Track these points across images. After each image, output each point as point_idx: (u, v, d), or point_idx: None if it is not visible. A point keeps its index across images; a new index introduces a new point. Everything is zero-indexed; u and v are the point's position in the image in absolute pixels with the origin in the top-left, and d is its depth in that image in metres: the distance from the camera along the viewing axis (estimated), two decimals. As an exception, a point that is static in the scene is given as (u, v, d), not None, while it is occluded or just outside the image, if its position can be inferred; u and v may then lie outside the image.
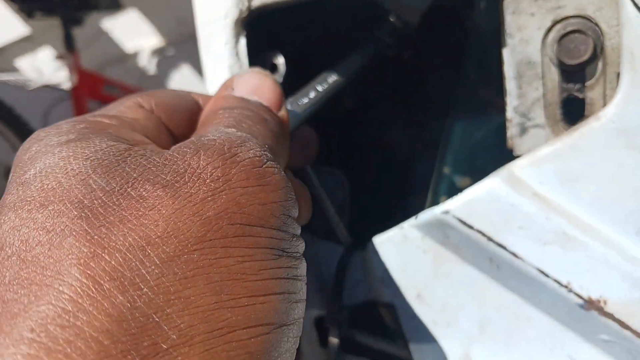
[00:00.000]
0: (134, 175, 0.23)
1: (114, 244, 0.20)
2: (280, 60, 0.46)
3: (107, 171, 0.23)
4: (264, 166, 0.25)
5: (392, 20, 0.54)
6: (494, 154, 0.53)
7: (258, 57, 0.47)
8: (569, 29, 0.35)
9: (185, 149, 0.25)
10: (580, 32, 0.34)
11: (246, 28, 0.45)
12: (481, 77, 0.51)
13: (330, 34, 0.66)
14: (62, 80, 2.33)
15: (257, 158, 0.25)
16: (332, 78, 0.47)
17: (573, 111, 0.37)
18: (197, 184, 0.23)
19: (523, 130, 0.38)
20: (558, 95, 0.37)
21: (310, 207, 0.36)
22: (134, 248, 0.20)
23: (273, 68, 0.46)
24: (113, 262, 0.20)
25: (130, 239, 0.21)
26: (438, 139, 0.71)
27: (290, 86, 0.56)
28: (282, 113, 0.33)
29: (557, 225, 0.35)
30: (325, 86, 0.45)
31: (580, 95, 0.36)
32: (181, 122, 0.32)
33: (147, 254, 0.20)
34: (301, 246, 0.27)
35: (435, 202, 0.60)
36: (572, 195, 0.35)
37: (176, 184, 0.23)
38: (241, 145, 0.25)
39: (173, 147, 0.25)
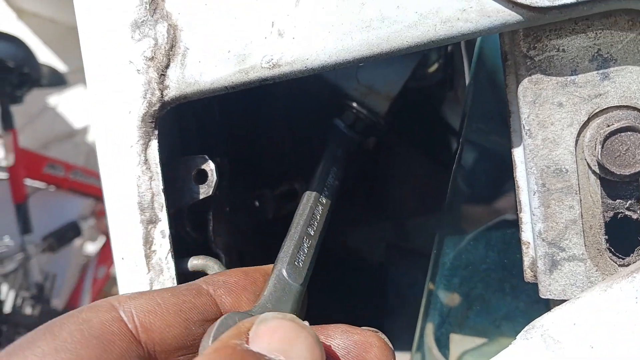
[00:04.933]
0: None
1: None
2: (209, 167, 0.34)
3: None
4: None
5: (354, 107, 0.43)
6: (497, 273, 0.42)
7: (179, 163, 0.34)
8: (616, 125, 0.24)
9: None
10: (632, 130, 0.24)
11: (160, 126, 0.32)
12: (473, 187, 0.40)
13: (281, 125, 0.55)
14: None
15: None
16: (318, 204, 0.35)
17: (624, 237, 0.26)
18: None
19: (553, 264, 0.27)
20: (601, 215, 0.26)
21: None
22: None
23: (201, 176, 0.34)
24: None
25: None
26: (412, 241, 0.60)
27: (234, 190, 0.44)
28: None
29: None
30: (315, 223, 0.34)
31: (634, 215, 0.25)
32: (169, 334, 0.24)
33: None
34: None
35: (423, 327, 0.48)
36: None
37: None
38: None
39: None
